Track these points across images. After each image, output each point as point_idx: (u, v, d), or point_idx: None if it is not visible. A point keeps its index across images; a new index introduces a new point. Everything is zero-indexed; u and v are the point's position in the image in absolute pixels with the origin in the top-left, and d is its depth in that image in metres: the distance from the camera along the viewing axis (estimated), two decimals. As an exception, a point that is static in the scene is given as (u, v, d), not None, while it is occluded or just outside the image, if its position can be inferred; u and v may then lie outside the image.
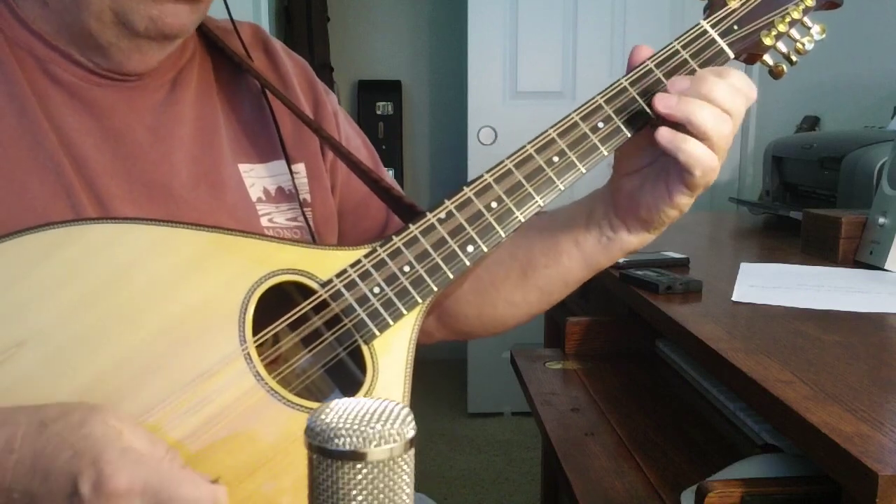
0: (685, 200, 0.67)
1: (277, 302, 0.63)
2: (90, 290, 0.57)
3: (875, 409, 0.64)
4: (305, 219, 0.77)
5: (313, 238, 0.77)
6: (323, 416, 0.36)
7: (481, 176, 0.67)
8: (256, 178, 0.76)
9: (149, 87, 0.71)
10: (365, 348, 0.64)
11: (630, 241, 0.72)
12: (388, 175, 0.86)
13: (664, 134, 0.63)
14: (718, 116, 0.63)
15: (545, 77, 2.89)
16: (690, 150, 0.63)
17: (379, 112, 3.42)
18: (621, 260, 1.22)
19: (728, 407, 0.96)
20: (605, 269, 1.21)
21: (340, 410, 0.36)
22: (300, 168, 0.78)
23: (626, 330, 1.28)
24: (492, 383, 2.98)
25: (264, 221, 0.74)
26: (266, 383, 0.59)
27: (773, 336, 0.86)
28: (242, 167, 0.75)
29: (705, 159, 0.63)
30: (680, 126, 0.63)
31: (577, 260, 0.75)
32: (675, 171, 0.65)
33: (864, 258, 1.22)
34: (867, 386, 0.70)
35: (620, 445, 0.96)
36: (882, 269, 1.17)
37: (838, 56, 2.18)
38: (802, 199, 1.72)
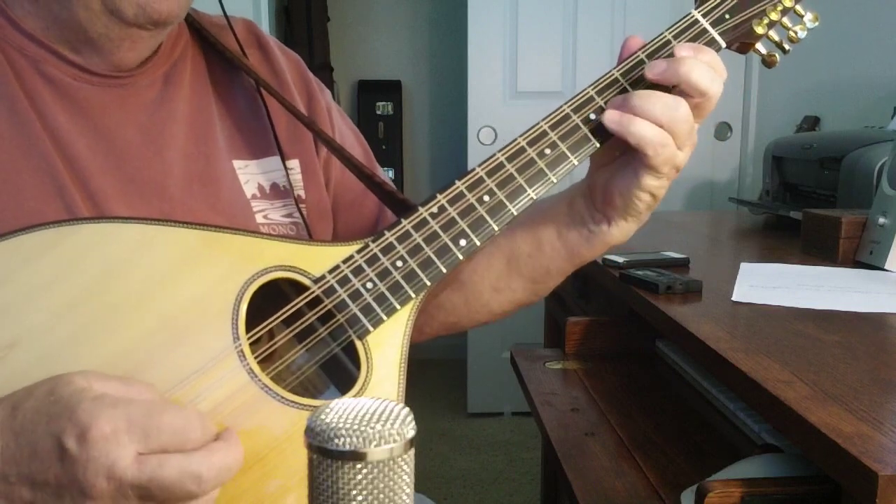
0: (653, 182, 0.67)
1: (271, 299, 0.63)
2: (81, 290, 0.57)
3: (875, 409, 0.64)
4: (301, 214, 0.77)
5: (309, 234, 0.76)
6: (323, 416, 0.36)
7: (473, 169, 0.67)
8: (251, 174, 0.76)
9: (141, 84, 0.71)
10: (359, 344, 0.63)
11: (612, 234, 0.72)
12: (384, 173, 0.86)
13: (611, 117, 0.65)
14: (669, 102, 0.63)
15: (545, 77, 2.89)
16: (637, 130, 0.64)
17: (379, 112, 3.42)
18: (621, 260, 1.22)
19: (728, 407, 0.96)
20: (606, 270, 1.22)
21: (340, 410, 0.36)
22: (294, 164, 0.79)
23: (626, 330, 1.28)
24: (492, 383, 2.98)
25: (259, 218, 0.74)
26: (259, 380, 0.59)
27: (773, 336, 0.86)
28: (237, 163, 0.75)
29: (654, 137, 0.64)
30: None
31: (559, 251, 0.76)
32: (636, 153, 0.66)
33: (864, 258, 1.22)
34: (867, 386, 0.70)
35: (620, 445, 0.96)
36: (882, 269, 1.17)
37: (838, 56, 2.18)
38: (802, 199, 1.72)
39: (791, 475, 0.72)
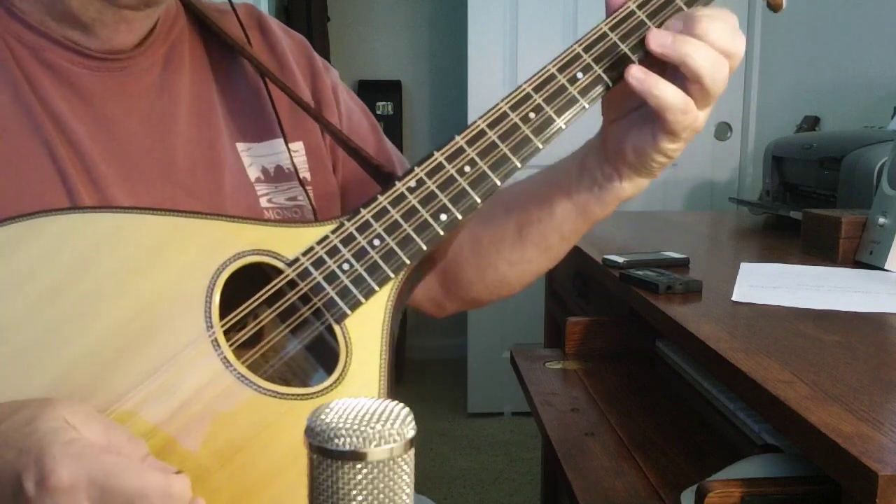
0: (669, 145, 0.64)
1: (249, 284, 0.61)
2: (53, 283, 0.57)
3: (875, 409, 0.64)
4: (308, 197, 0.75)
5: (315, 217, 0.75)
6: (323, 416, 0.36)
7: (452, 138, 0.63)
8: (254, 157, 0.75)
9: (140, 66, 0.71)
10: (337, 328, 0.61)
11: (624, 189, 0.69)
12: (394, 149, 0.85)
13: (635, 74, 0.60)
14: (715, 59, 0.59)
15: (545, 77, 2.89)
16: (660, 93, 0.60)
17: (379, 112, 3.42)
18: (621, 260, 1.22)
19: (728, 407, 0.96)
20: (606, 270, 1.22)
21: (340, 410, 0.36)
22: (299, 146, 0.77)
23: (626, 330, 1.28)
24: (492, 383, 2.98)
25: (263, 202, 0.74)
26: (235, 369, 0.58)
27: (773, 336, 0.86)
28: (240, 146, 0.75)
29: (677, 102, 0.60)
30: (671, 68, 0.60)
31: (570, 211, 0.73)
32: (656, 117, 0.62)
33: (864, 258, 1.22)
34: (867, 386, 0.70)
35: (620, 445, 0.96)
36: (882, 269, 1.17)
37: (838, 56, 2.18)
38: (802, 199, 1.72)
39: (791, 475, 0.72)
